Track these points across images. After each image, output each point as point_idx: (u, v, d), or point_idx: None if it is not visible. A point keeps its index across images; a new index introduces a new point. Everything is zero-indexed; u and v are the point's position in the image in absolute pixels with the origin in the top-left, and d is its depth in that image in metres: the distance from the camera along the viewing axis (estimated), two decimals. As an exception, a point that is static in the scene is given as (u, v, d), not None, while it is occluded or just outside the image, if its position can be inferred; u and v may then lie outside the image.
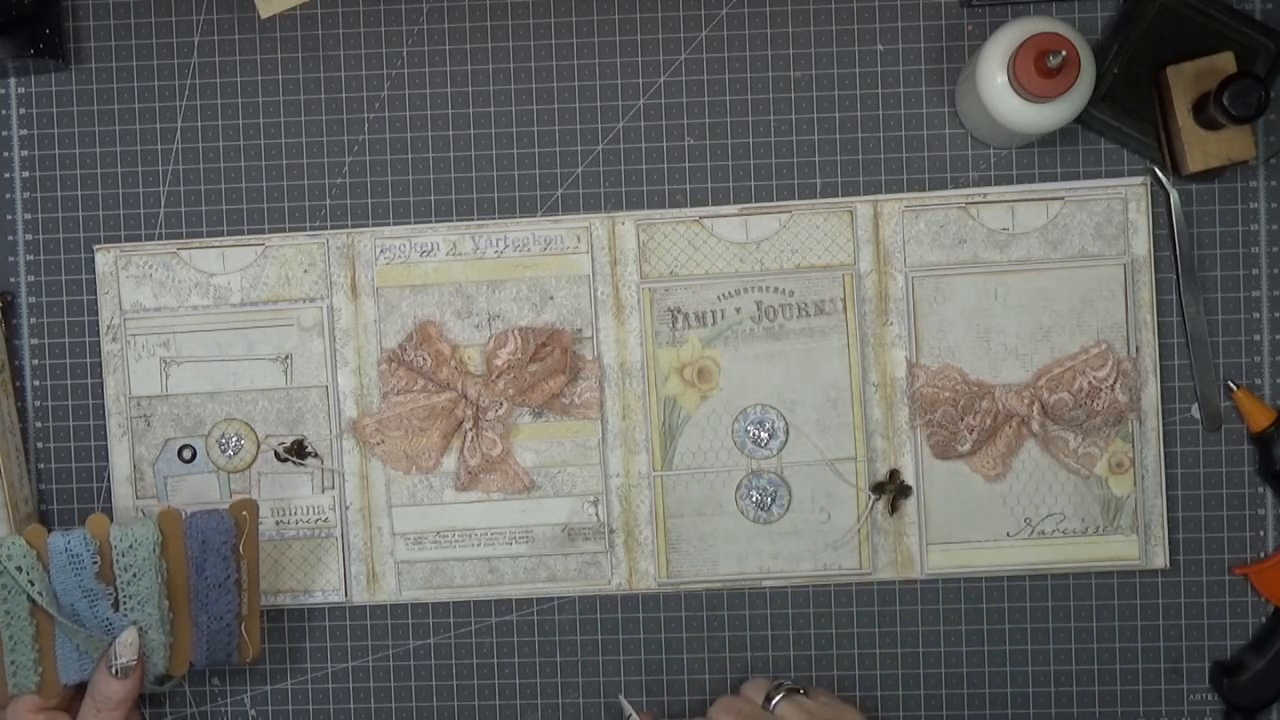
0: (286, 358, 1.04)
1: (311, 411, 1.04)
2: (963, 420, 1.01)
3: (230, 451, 1.04)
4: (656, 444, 1.04)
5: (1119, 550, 1.03)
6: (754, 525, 1.04)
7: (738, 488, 1.04)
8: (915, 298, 1.02)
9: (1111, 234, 1.02)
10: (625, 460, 1.04)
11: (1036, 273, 1.02)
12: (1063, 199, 1.02)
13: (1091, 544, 1.03)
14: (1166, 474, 1.02)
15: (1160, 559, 1.02)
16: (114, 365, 1.04)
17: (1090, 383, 1.00)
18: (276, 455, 1.04)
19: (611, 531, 1.04)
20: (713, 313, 1.03)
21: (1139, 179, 1.02)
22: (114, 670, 0.96)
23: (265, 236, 1.04)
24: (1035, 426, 1.01)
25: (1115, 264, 1.01)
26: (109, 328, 1.04)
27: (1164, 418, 1.02)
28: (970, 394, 1.01)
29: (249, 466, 1.04)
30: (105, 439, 1.05)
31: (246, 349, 1.04)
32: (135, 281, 1.04)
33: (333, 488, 1.04)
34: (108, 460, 1.05)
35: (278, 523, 1.04)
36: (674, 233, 1.03)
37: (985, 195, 1.02)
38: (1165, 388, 1.03)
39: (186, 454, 1.05)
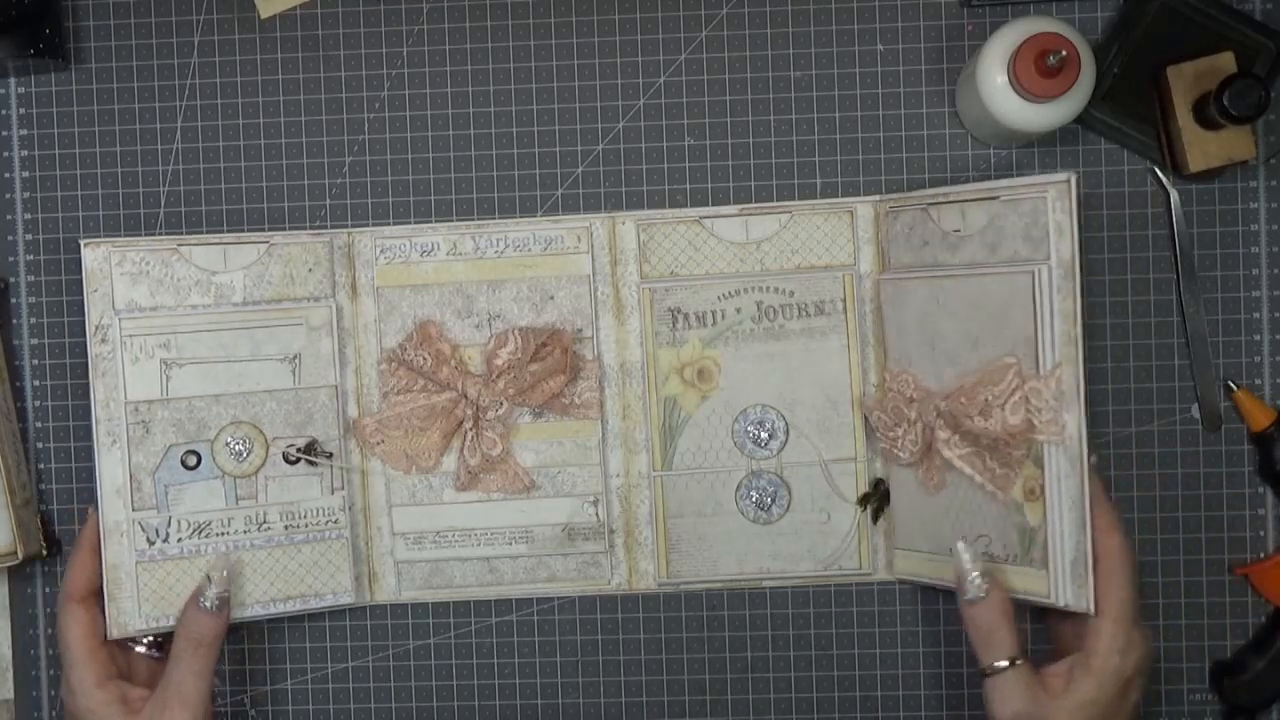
0: (294, 358, 1.02)
1: (320, 412, 1.03)
2: (894, 430, 1.00)
3: (240, 456, 1.02)
4: (656, 444, 1.03)
5: (1031, 584, 0.94)
6: (754, 525, 1.04)
7: (737, 488, 1.03)
8: (880, 300, 1.01)
9: (1038, 237, 0.93)
10: (625, 460, 1.04)
11: (968, 278, 0.96)
12: (997, 198, 0.95)
13: (1012, 572, 0.95)
14: (1166, 474, 1.02)
15: (1081, 602, 0.92)
16: (103, 368, 1.00)
17: (988, 399, 0.94)
18: (286, 458, 1.02)
19: (611, 532, 1.04)
20: (713, 313, 1.03)
21: (1064, 175, 0.92)
22: (207, 604, 0.96)
23: (268, 234, 1.03)
24: (944, 439, 0.97)
25: (1024, 271, 0.93)
26: (98, 328, 1.00)
27: (1163, 418, 1.02)
28: (906, 402, 0.99)
29: (258, 470, 1.02)
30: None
31: (253, 349, 1.02)
32: (130, 279, 1.00)
33: (342, 488, 1.03)
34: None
35: (287, 527, 1.02)
36: (674, 233, 1.03)
37: (947, 195, 0.97)
38: (1165, 388, 1.03)
39: (191, 460, 1.01)
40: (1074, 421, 0.91)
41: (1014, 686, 0.91)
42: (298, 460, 1.02)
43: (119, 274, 1.00)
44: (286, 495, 1.02)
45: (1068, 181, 0.91)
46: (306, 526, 1.03)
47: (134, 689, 0.97)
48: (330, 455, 1.03)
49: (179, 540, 1.01)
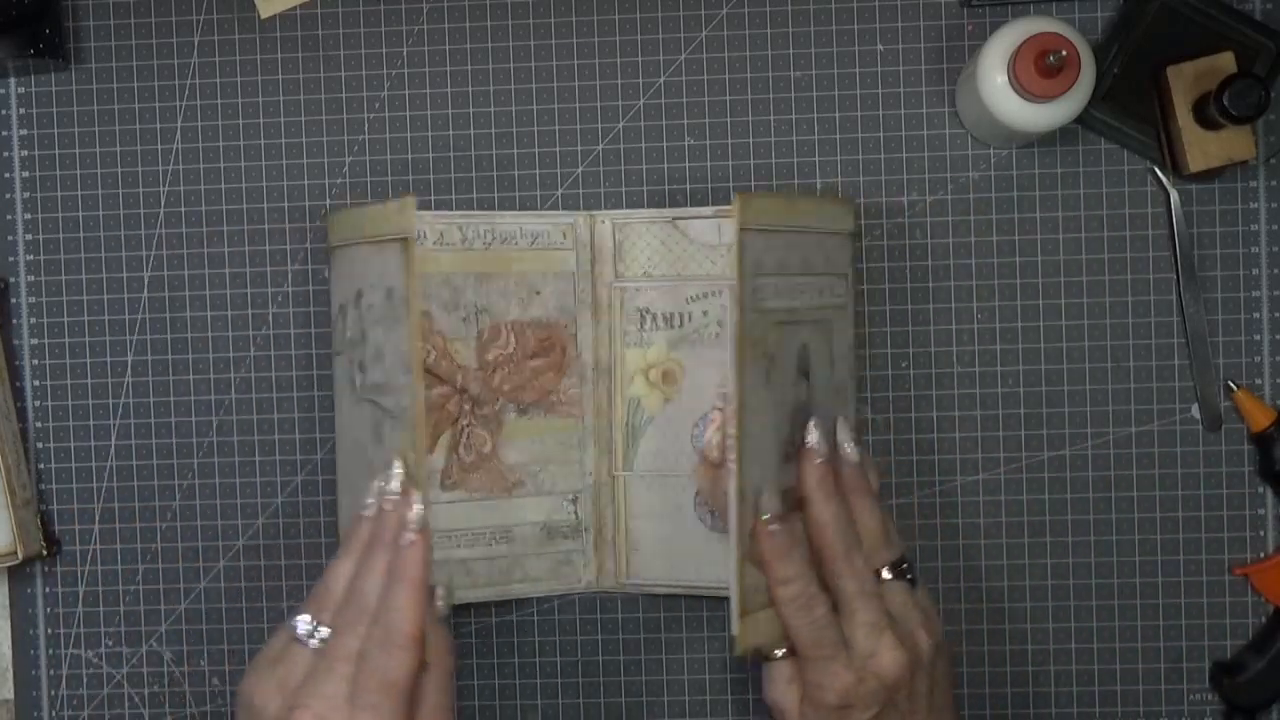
0: None
1: None
2: None
3: None
4: (619, 444, 1.02)
5: None
6: (711, 533, 1.01)
7: (696, 494, 1.01)
8: None
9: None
10: (597, 459, 1.02)
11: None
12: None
13: None
14: (1165, 474, 1.02)
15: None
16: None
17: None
18: None
19: (585, 530, 1.03)
20: (680, 314, 1.01)
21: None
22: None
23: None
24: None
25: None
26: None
27: (1163, 418, 1.02)
28: None
29: None
30: (109, 439, 1.05)
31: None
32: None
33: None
34: (106, 459, 1.05)
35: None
36: (647, 233, 1.02)
37: None
38: (1165, 388, 1.02)
39: None
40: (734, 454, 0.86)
41: (778, 676, 0.89)
42: None
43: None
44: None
45: (734, 203, 0.87)
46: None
47: None
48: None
49: None
